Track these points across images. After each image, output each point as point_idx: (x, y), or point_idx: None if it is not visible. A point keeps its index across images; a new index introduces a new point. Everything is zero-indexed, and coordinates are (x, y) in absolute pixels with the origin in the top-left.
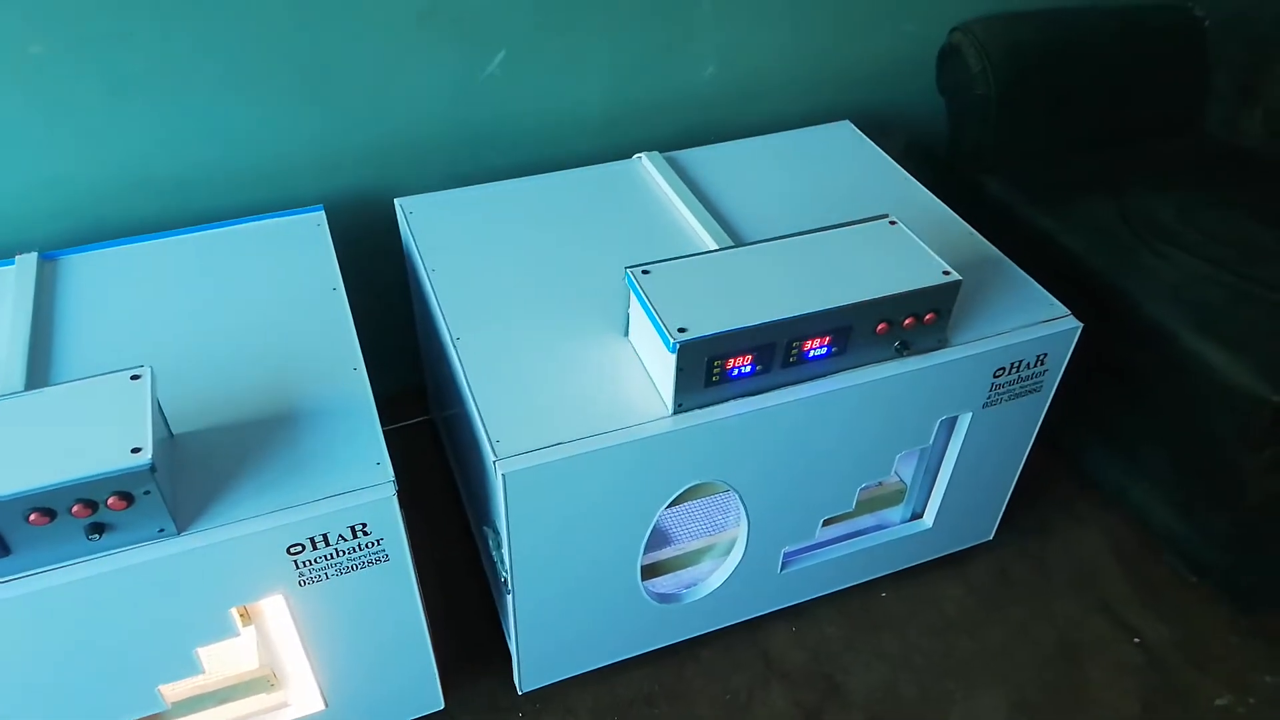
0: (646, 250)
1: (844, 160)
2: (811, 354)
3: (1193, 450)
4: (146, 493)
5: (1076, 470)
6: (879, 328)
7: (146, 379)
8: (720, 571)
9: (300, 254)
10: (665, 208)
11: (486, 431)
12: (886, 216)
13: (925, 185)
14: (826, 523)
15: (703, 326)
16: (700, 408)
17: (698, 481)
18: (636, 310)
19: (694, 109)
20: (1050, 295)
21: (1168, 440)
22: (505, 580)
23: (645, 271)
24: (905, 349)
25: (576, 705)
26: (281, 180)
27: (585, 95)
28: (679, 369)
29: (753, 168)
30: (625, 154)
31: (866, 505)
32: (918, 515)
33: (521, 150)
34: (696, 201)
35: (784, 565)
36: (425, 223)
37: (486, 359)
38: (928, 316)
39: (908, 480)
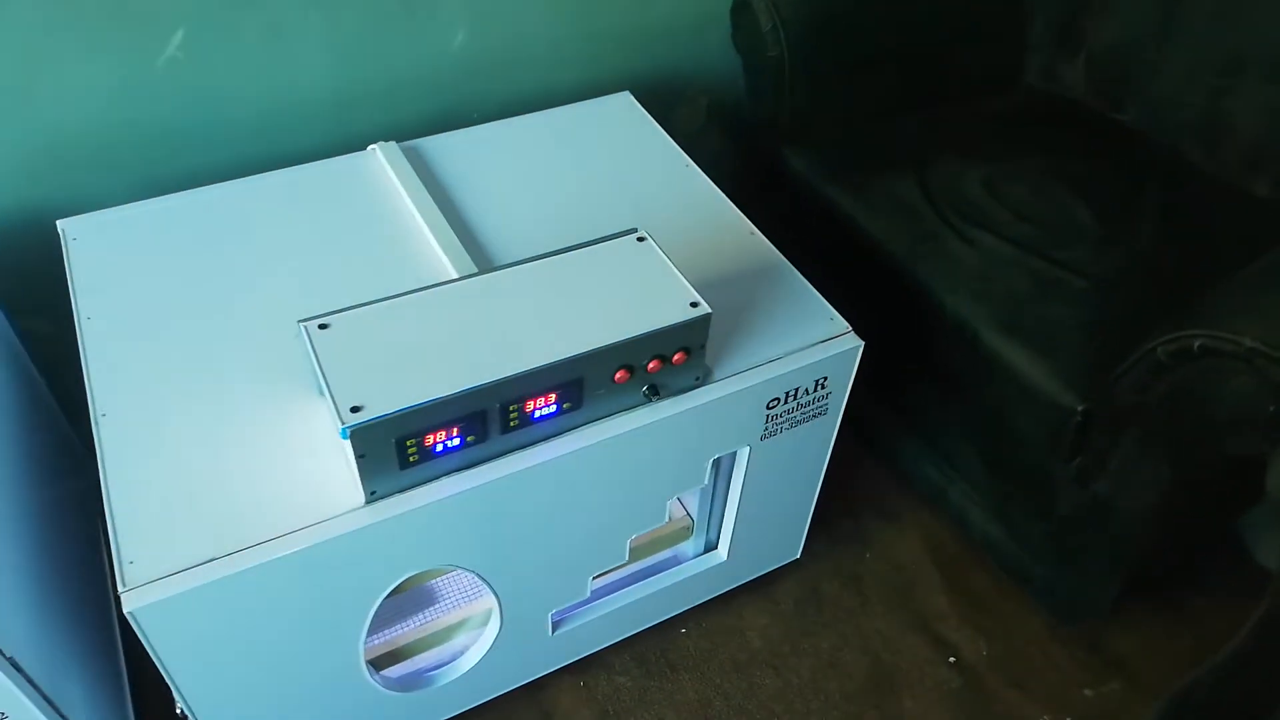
0: (365, 279)
1: (615, 142)
2: (538, 415)
3: (1004, 454)
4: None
5: (894, 469)
6: (617, 376)
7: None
8: (475, 649)
9: None
10: (397, 217)
11: (119, 550)
12: (635, 232)
13: (729, 159)
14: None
15: (384, 402)
16: (401, 492)
17: (414, 572)
18: (319, 374)
19: (444, 86)
20: (830, 308)
21: (980, 442)
22: (182, 713)
23: (322, 326)
24: (655, 394)
25: None
26: None
27: (302, 75)
28: (359, 456)
29: (507, 156)
30: (361, 145)
31: (650, 546)
32: (712, 547)
33: (232, 147)
34: (434, 207)
35: (556, 626)
36: (90, 250)
37: (134, 445)
38: (676, 357)
39: (694, 514)
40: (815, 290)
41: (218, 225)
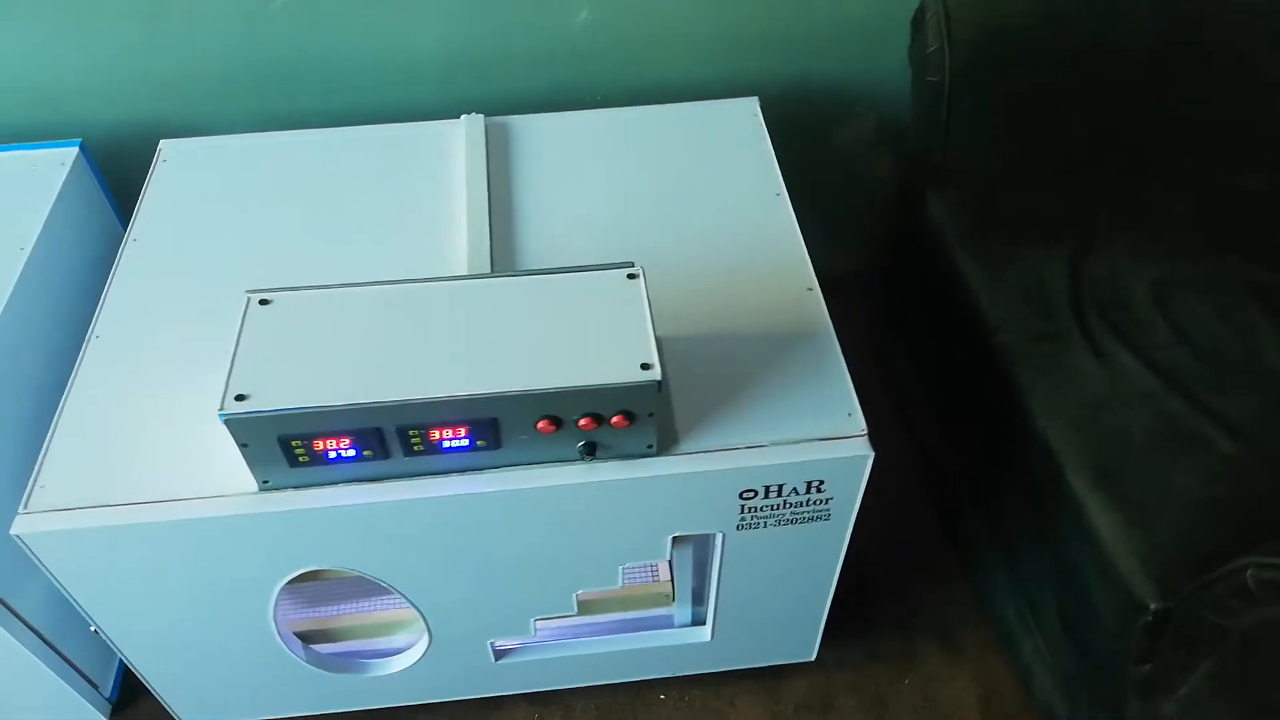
0: (378, 257)
1: (715, 151)
2: (447, 445)
3: (1082, 624)
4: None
5: (976, 593)
6: (539, 425)
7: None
8: (409, 653)
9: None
10: (446, 198)
11: (40, 469)
12: (629, 266)
13: (886, 191)
14: (586, 610)
15: (269, 398)
16: (294, 489)
17: (316, 568)
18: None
19: (560, 63)
20: (855, 402)
21: (1062, 599)
22: (94, 629)
23: (264, 301)
24: (592, 453)
25: None
26: (41, 107)
27: (415, 34)
28: (240, 445)
29: (592, 148)
30: (464, 111)
31: (621, 603)
32: (700, 622)
33: (339, 96)
34: (484, 195)
35: (500, 655)
36: (173, 174)
37: (108, 375)
38: (615, 419)
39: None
40: (847, 375)
41: (289, 171)
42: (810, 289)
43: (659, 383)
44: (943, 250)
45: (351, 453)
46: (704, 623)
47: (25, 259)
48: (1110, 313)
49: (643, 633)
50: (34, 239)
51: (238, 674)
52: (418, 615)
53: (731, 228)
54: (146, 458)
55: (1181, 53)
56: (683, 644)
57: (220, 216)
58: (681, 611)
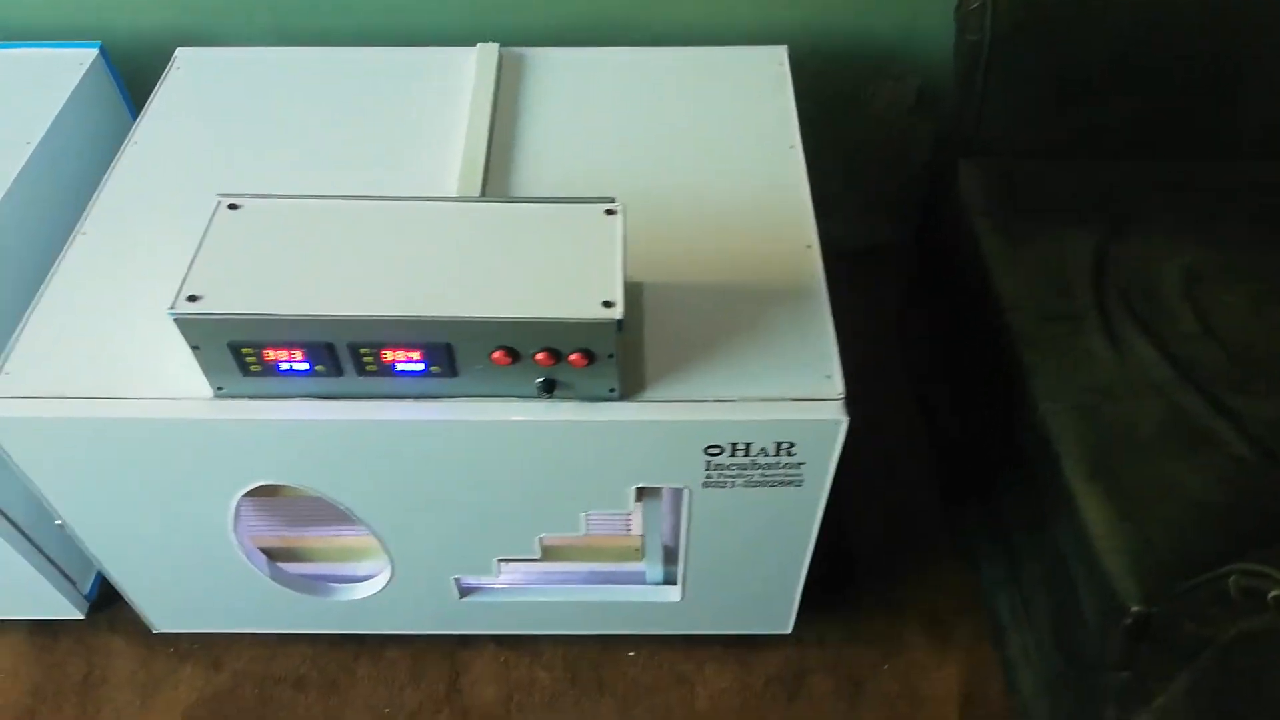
0: (367, 177)
1: (734, 98)
2: (400, 368)
3: (1068, 621)
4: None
5: (970, 581)
6: (494, 355)
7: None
8: (371, 582)
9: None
10: (447, 125)
11: (8, 355)
12: (609, 202)
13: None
14: (551, 556)
15: (220, 301)
16: (248, 398)
17: (270, 482)
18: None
19: None
20: (837, 365)
21: (1054, 595)
22: (59, 523)
23: (233, 206)
24: (549, 391)
25: (223, 662)
26: (64, 8)
27: None
28: (192, 346)
29: (606, 86)
30: (484, 40)
31: (589, 553)
32: (671, 582)
33: (359, 15)
34: (485, 125)
35: (465, 593)
36: (183, 82)
37: (88, 271)
38: (573, 357)
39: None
40: (833, 336)
41: (297, 87)
42: (809, 246)
43: (619, 322)
44: (966, 222)
45: (304, 366)
46: (675, 582)
47: (30, 152)
48: (1134, 299)
49: (611, 586)
50: (41, 134)
51: (202, 583)
52: (380, 544)
53: (738, 177)
54: (113, 355)
55: (1233, 38)
56: (652, 602)
57: (223, 126)
58: (653, 569)
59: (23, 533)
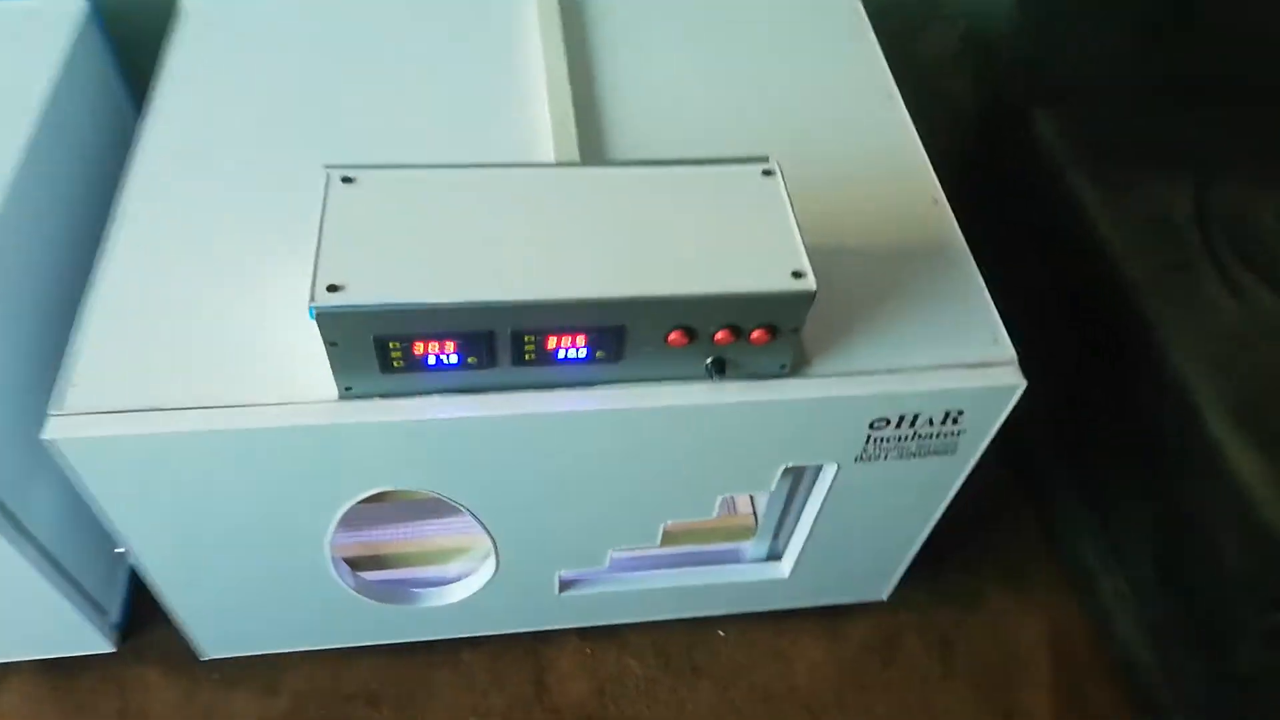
0: (450, 133)
1: (817, 44)
2: (563, 355)
3: (1188, 569)
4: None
5: (1045, 528)
6: (671, 337)
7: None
8: (469, 583)
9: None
10: (521, 68)
11: (69, 363)
12: (764, 162)
13: (971, 108)
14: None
15: (367, 290)
16: (382, 397)
17: (390, 489)
18: (318, 234)
19: None
20: (1000, 326)
21: (1162, 543)
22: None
23: (347, 179)
24: (720, 371)
25: (281, 684)
26: None
27: None
28: (329, 343)
29: (672, 33)
30: None
31: (696, 535)
32: (776, 557)
33: None
34: (562, 67)
35: (564, 587)
36: (194, 31)
37: (141, 258)
38: (755, 334)
39: (761, 516)
40: (989, 296)
41: (330, 25)
42: (936, 201)
43: (813, 294)
44: (1053, 174)
45: (454, 359)
46: (779, 558)
47: (30, 127)
48: (1241, 243)
49: (717, 567)
50: (39, 107)
51: (274, 603)
52: (476, 543)
53: (842, 129)
54: (195, 355)
55: None
56: (756, 580)
57: (255, 79)
58: (758, 546)
59: (53, 560)
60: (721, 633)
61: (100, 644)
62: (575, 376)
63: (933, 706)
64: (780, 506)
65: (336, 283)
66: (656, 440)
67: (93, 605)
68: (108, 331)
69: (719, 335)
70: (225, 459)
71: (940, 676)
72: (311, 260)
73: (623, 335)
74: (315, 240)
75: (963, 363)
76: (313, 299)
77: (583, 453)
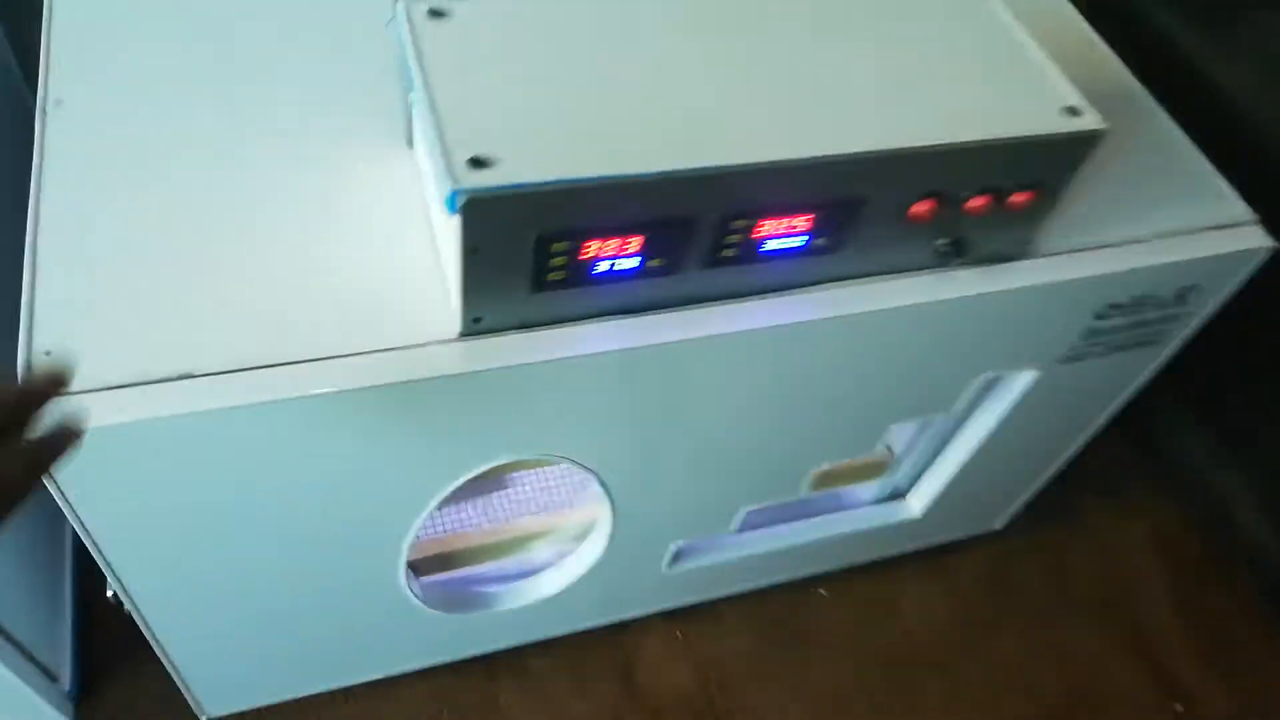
0: None
1: None
2: (768, 247)
3: None
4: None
5: (1131, 429)
6: (914, 209)
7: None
8: (564, 573)
9: None
10: None
11: (31, 326)
12: None
13: None
14: None
15: (531, 164)
16: (521, 329)
17: (510, 459)
18: (422, 98)
19: None
20: (1221, 180)
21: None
22: (113, 593)
23: (436, 12)
24: (958, 254)
25: None
26: None
27: None
28: (469, 251)
29: None
30: None
31: (828, 479)
32: (899, 495)
33: None
34: None
35: (675, 560)
36: None
37: (86, 153)
38: (1016, 196)
39: (900, 449)
40: (1197, 148)
41: None
42: (1094, 47)
43: (1103, 131)
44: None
45: (634, 263)
46: (903, 495)
47: None
48: None
49: (840, 514)
50: None
51: (299, 637)
52: (563, 522)
53: None
54: (199, 304)
55: None
56: (880, 525)
57: None
58: (884, 486)
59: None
60: (824, 592)
61: (55, 718)
62: (783, 276)
63: (1061, 640)
64: (926, 436)
65: (482, 155)
66: (857, 354)
67: (43, 673)
68: (70, 268)
69: (974, 202)
70: (278, 439)
71: (1058, 606)
72: (432, 132)
73: (859, 211)
74: (424, 105)
75: (1207, 225)
76: (455, 180)
77: (761, 382)
